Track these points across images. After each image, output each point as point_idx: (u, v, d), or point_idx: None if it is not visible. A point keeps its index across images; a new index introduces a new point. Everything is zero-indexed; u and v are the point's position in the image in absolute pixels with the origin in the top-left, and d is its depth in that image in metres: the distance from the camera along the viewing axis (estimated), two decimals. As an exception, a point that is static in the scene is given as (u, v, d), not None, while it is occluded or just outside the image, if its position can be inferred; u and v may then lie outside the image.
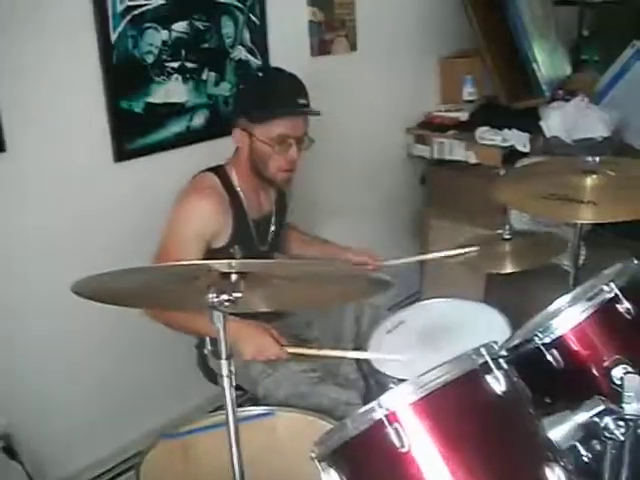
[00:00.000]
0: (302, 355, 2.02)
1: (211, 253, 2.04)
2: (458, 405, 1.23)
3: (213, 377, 2.19)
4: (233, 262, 1.23)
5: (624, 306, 1.45)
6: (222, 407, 1.39)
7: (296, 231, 2.50)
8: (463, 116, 3.54)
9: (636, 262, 1.57)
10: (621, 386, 1.29)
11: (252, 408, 1.90)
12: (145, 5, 2.32)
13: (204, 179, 2.13)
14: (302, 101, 2.07)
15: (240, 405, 1.46)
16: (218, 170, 2.15)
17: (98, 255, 2.27)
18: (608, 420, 1.24)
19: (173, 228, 2.06)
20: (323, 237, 2.56)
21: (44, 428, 2.31)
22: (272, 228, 2.28)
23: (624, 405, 1.24)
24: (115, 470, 2.55)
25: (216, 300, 1.26)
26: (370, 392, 2.05)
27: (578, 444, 1.26)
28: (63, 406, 2.38)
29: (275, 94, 2.08)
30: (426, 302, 2.23)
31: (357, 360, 2.17)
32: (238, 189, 2.14)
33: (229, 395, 1.35)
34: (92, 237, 2.35)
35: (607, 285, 1.46)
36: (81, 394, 2.43)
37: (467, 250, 2.28)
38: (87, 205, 2.34)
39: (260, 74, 2.17)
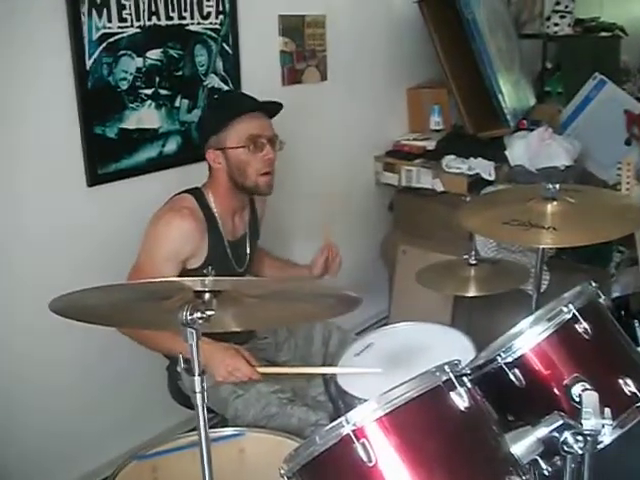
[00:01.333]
0: (274, 375, 2.04)
1: (186, 274, 2.05)
2: (423, 420, 1.26)
3: (183, 399, 2.20)
4: (206, 280, 1.26)
5: (582, 326, 1.50)
6: (192, 430, 1.39)
7: (267, 255, 2.53)
8: (430, 145, 3.61)
9: (593, 285, 1.63)
10: (580, 402, 1.35)
11: (222, 429, 1.91)
12: (120, 33, 2.36)
13: (182, 200, 2.15)
14: (259, 101, 2.17)
15: (209, 427, 1.47)
16: (195, 192, 2.18)
17: (69, 279, 2.27)
18: (567, 435, 1.28)
19: (149, 247, 2.07)
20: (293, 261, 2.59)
21: (10, 452, 2.31)
22: (247, 250, 2.31)
23: (583, 421, 1.29)
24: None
25: (189, 318, 1.28)
26: (338, 413, 2.06)
27: (539, 458, 1.31)
28: (33, 429, 2.36)
29: (233, 100, 2.26)
30: (394, 325, 2.24)
31: (325, 382, 2.19)
32: (214, 211, 2.17)
33: (201, 411, 1.36)
34: (64, 260, 2.36)
35: (566, 307, 1.52)
36: (49, 417, 2.41)
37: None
38: (59, 229, 2.35)
39: (216, 96, 2.34)
